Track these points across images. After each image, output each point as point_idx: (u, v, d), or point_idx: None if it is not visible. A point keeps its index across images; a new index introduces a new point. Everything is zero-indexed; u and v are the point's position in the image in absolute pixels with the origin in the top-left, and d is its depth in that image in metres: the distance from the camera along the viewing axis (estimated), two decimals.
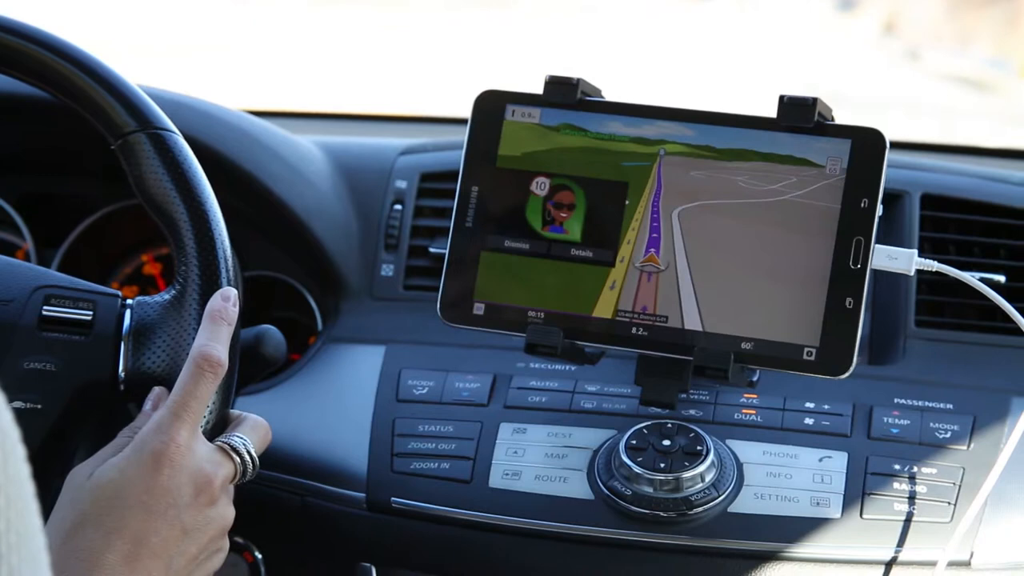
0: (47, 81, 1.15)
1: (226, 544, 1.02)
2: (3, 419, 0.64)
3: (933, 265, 1.21)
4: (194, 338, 1.08)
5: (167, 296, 1.11)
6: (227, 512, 1.01)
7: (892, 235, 1.43)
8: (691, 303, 1.20)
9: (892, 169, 1.20)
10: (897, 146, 1.23)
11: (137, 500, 0.95)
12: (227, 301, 1.07)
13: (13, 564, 0.63)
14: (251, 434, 1.05)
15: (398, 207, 1.53)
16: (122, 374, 1.10)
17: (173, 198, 1.11)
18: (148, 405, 1.06)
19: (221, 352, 1.03)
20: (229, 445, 1.03)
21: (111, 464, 0.97)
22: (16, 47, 1.14)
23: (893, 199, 1.45)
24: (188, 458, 0.98)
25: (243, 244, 1.51)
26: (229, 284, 1.10)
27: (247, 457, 1.03)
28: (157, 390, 1.07)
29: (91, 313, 1.11)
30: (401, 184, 1.54)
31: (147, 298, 1.12)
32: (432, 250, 1.48)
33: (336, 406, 1.39)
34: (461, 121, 1.31)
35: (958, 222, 1.46)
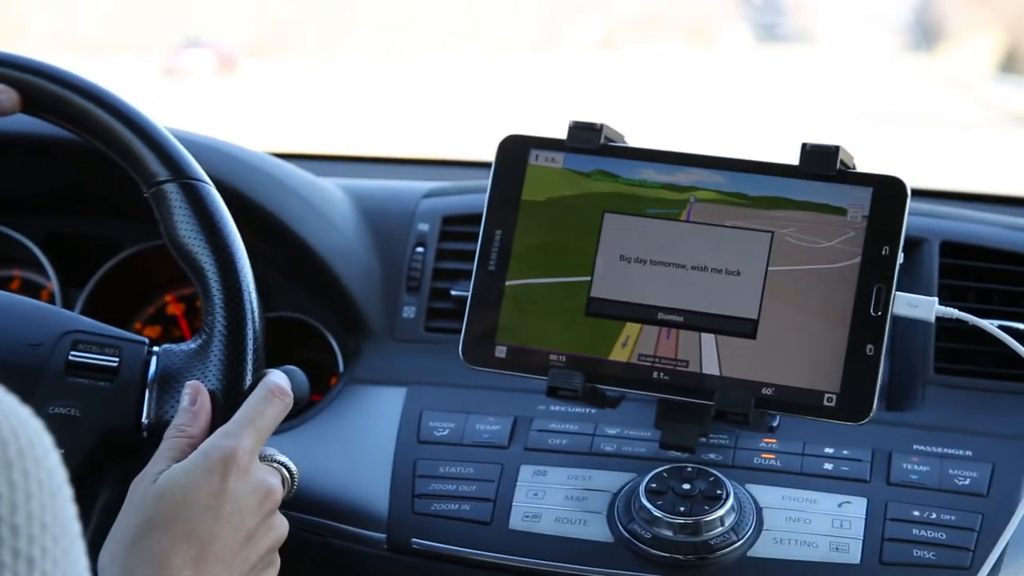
0: (85, 128, 1.16)
1: (277, 560, 1.05)
2: (50, 460, 0.65)
3: (953, 313, 1.22)
4: (217, 389, 1.10)
5: (193, 345, 1.12)
6: (284, 523, 1.04)
7: (912, 282, 1.44)
8: (712, 348, 1.21)
9: (912, 217, 1.20)
10: (917, 194, 1.23)
11: (204, 504, 0.97)
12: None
13: None
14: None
15: (420, 250, 1.54)
16: (145, 421, 1.11)
17: (202, 249, 1.12)
18: (186, 400, 1.08)
19: (288, 388, 1.08)
20: (277, 460, 1.06)
21: (178, 468, 0.99)
22: (56, 95, 1.15)
23: (913, 246, 1.46)
24: (253, 466, 1.01)
25: (266, 285, 1.51)
26: (255, 337, 1.12)
27: (290, 472, 1.07)
28: (193, 383, 1.09)
29: (117, 360, 1.12)
30: (423, 227, 1.55)
31: (173, 346, 1.13)
32: (454, 292, 1.49)
33: (357, 447, 1.39)
34: (484, 164, 1.32)
35: (978, 270, 1.46)
